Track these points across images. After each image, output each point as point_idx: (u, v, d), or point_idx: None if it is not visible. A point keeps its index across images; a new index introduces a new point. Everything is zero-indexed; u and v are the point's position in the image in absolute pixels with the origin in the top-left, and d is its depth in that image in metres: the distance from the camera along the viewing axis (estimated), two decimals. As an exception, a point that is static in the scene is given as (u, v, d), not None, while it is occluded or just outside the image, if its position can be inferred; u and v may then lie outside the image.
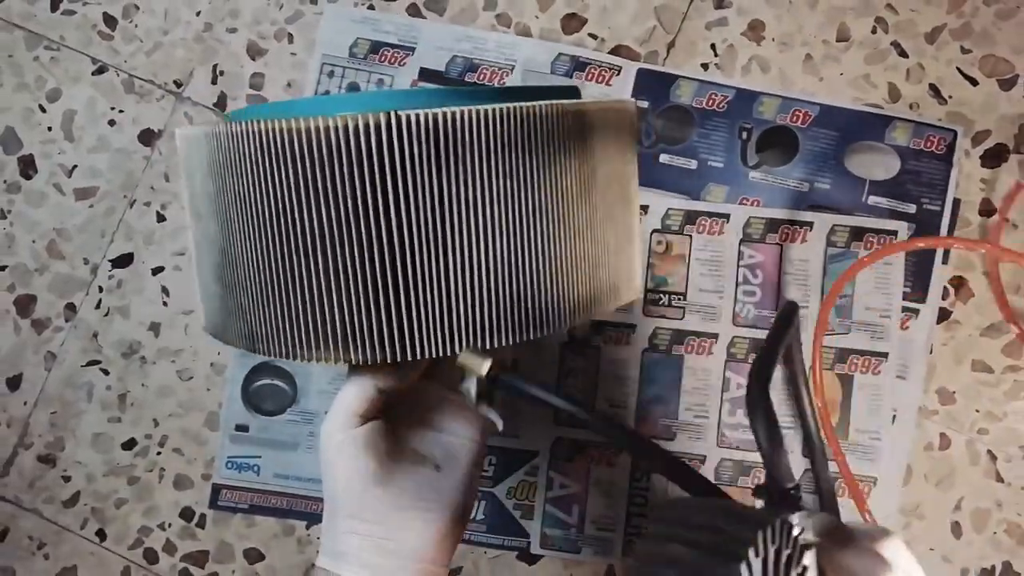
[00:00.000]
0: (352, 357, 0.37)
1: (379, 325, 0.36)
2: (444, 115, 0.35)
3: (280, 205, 0.35)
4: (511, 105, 0.36)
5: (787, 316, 0.50)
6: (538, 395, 0.39)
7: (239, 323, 0.40)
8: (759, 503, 0.38)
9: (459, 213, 0.36)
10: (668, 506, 0.35)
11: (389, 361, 0.37)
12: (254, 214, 0.36)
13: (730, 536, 0.30)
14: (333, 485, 0.40)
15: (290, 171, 0.35)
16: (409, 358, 0.37)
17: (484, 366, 0.39)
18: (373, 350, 0.37)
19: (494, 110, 0.35)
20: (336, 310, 0.36)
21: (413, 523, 0.40)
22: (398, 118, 0.34)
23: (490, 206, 0.36)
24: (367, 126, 0.34)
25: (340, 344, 0.37)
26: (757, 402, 0.39)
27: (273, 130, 0.34)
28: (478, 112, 0.35)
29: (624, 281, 0.46)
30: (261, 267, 0.37)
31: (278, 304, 0.37)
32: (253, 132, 0.35)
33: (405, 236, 0.35)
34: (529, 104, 0.36)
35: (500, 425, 0.44)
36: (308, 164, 0.34)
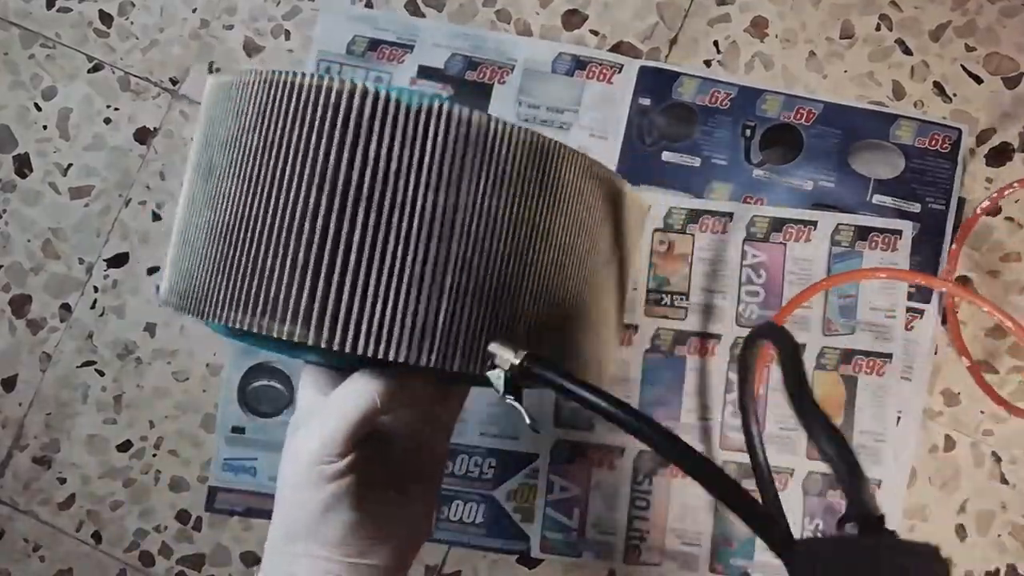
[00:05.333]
0: (287, 330, 0.34)
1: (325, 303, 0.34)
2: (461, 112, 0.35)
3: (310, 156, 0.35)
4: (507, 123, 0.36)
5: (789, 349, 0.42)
6: (574, 390, 0.34)
7: (239, 287, 0.36)
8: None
9: (433, 210, 0.35)
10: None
11: (325, 346, 0.34)
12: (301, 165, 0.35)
13: None
14: (297, 512, 0.37)
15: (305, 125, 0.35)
16: (340, 349, 0.34)
17: (517, 355, 0.35)
18: (308, 327, 0.34)
19: (501, 123, 0.36)
20: (294, 279, 0.34)
21: (380, 548, 0.38)
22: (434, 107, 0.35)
23: (470, 213, 0.35)
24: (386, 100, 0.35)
25: (285, 315, 0.34)
26: (809, 414, 0.32)
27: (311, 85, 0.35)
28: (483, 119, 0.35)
29: (596, 358, 0.44)
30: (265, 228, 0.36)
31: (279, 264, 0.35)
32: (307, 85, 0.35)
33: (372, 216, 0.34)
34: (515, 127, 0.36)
35: (528, 420, 0.38)
36: (325, 121, 0.35)
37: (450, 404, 0.44)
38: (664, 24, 0.66)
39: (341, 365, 0.40)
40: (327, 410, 0.37)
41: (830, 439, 0.31)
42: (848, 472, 0.30)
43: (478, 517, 0.62)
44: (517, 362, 0.35)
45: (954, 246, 0.62)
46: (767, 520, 0.31)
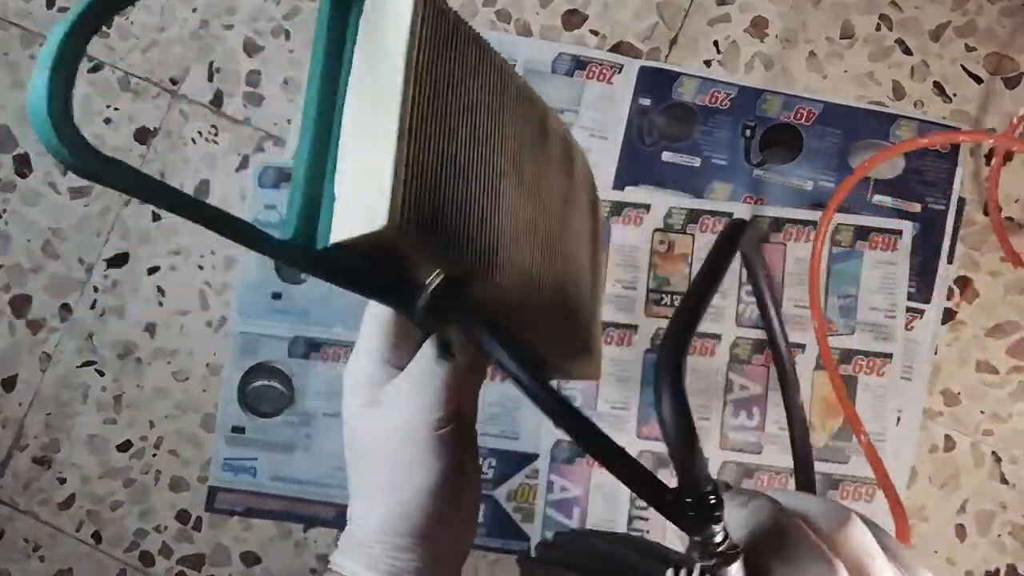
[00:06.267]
0: None
1: None
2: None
3: None
4: None
5: (730, 236, 0.38)
6: (491, 351, 0.31)
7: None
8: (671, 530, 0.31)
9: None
10: (573, 534, 0.31)
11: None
12: None
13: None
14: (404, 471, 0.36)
15: None
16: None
17: (437, 278, 0.32)
18: None
19: None
20: None
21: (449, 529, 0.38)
22: None
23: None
24: None
25: None
26: (665, 368, 0.30)
27: None
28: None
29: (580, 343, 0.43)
30: None
31: None
32: None
33: None
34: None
35: (457, 349, 0.36)
36: None
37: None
38: (664, 24, 0.66)
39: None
40: (429, 374, 0.36)
41: (672, 389, 0.30)
42: (679, 436, 0.29)
43: (478, 517, 0.62)
44: (435, 285, 0.32)
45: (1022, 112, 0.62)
46: (643, 478, 0.30)
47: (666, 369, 0.29)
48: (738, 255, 0.39)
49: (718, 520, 0.28)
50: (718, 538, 0.27)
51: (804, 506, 0.31)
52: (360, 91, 0.34)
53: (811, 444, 0.50)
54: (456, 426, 0.37)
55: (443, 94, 0.34)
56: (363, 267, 0.33)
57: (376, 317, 0.38)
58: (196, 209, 0.29)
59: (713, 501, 0.28)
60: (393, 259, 0.33)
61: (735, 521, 0.30)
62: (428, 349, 0.37)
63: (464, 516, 0.38)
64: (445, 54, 0.34)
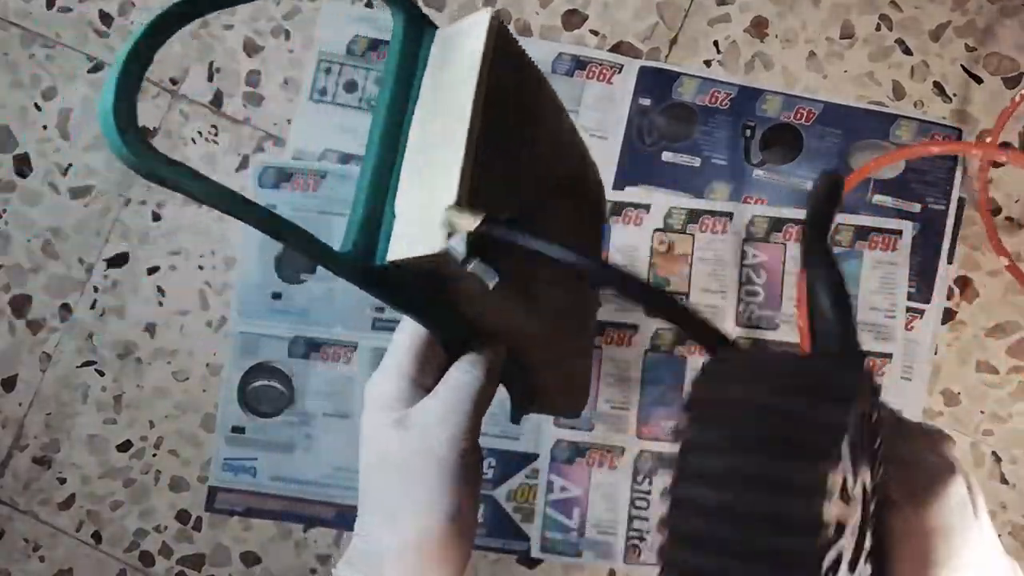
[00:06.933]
0: None
1: None
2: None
3: None
4: None
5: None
6: (538, 248, 0.32)
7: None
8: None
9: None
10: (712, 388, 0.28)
11: None
12: None
13: (810, 424, 0.24)
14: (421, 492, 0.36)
15: None
16: None
17: (473, 221, 0.32)
18: None
19: None
20: None
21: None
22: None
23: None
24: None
25: None
26: (814, 247, 0.31)
27: None
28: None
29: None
30: None
31: None
32: None
33: None
34: None
35: (492, 283, 0.35)
36: None
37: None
38: (664, 24, 0.66)
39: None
40: (455, 393, 0.37)
41: (824, 264, 0.31)
42: (835, 305, 0.30)
43: (478, 517, 0.62)
44: (473, 228, 0.32)
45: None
46: (701, 322, 0.31)
47: (816, 247, 0.31)
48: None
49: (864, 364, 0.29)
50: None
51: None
52: (427, 117, 0.36)
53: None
54: (479, 455, 0.38)
55: (507, 127, 0.35)
56: (412, 285, 0.35)
57: (408, 335, 0.39)
58: (260, 216, 0.31)
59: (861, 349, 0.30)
60: (438, 280, 0.34)
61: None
62: (455, 373, 0.38)
63: (471, 537, 0.38)
64: (512, 89, 0.36)
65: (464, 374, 0.38)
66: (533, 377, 0.43)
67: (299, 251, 0.32)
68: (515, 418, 0.45)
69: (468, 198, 0.33)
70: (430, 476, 0.36)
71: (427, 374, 0.38)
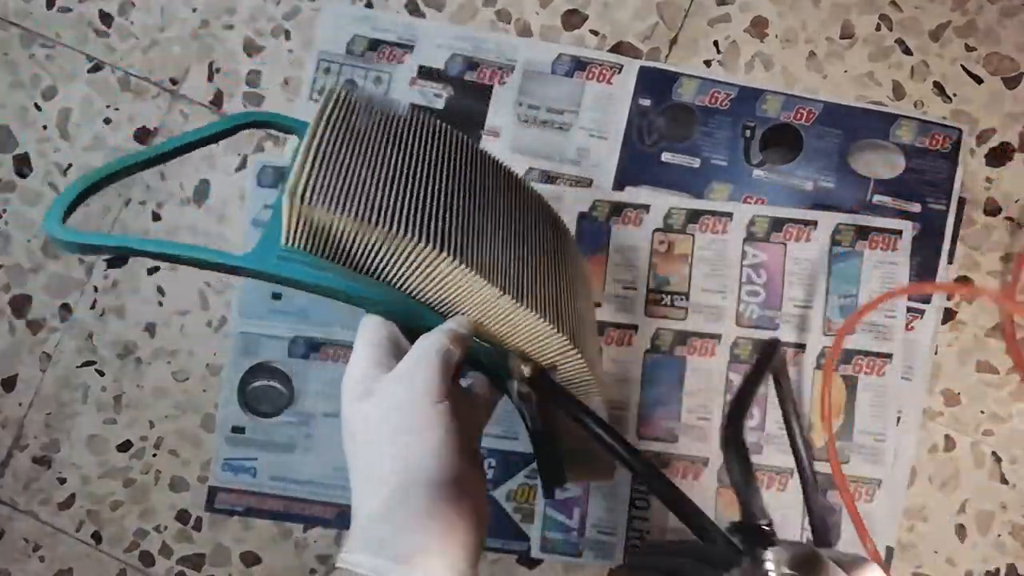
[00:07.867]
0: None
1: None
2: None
3: None
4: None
5: (767, 355, 0.51)
6: (572, 410, 0.42)
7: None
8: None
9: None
10: (645, 549, 0.36)
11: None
12: None
13: None
14: (409, 451, 0.37)
15: None
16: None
17: (527, 368, 0.42)
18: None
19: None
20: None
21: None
22: None
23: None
24: None
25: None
26: (731, 440, 0.40)
27: None
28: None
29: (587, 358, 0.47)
30: None
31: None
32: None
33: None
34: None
35: (531, 425, 0.44)
36: None
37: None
38: (664, 24, 0.66)
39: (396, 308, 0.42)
40: (420, 356, 0.39)
41: (736, 451, 0.40)
42: (743, 483, 0.39)
43: (487, 521, 0.62)
44: (528, 375, 0.42)
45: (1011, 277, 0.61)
46: (712, 534, 0.39)
47: (732, 440, 0.40)
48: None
49: (773, 544, 0.36)
50: (769, 565, 0.35)
51: (834, 555, 0.37)
52: None
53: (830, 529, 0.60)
54: (453, 405, 0.38)
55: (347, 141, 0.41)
56: (327, 258, 0.38)
57: (369, 328, 0.40)
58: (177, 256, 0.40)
59: (768, 528, 0.37)
60: (340, 251, 0.37)
61: (781, 554, 0.36)
62: (419, 341, 0.39)
63: (471, 507, 0.38)
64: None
65: (425, 339, 0.39)
66: (562, 449, 0.47)
67: (209, 269, 0.41)
68: (548, 493, 0.48)
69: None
70: (406, 422, 0.37)
71: (394, 358, 0.39)
